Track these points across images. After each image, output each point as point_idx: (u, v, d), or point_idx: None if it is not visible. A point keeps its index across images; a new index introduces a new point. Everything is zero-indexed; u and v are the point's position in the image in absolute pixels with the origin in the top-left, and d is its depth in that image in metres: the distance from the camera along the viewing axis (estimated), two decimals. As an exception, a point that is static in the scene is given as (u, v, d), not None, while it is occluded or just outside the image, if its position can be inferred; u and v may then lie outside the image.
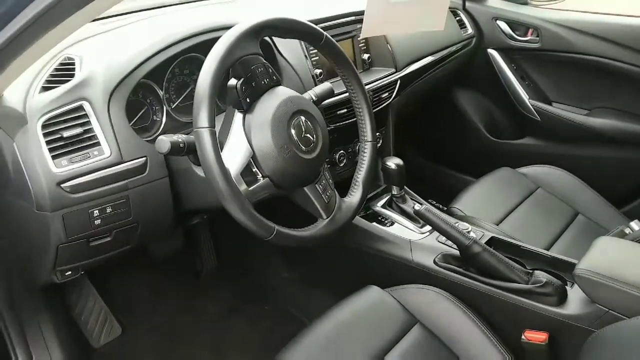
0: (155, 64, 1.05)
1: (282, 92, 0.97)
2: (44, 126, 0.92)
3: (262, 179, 0.93)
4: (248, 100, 0.93)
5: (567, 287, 1.10)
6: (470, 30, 1.87)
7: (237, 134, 0.93)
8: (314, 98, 1.10)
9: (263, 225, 0.88)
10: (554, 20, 1.76)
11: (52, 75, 0.99)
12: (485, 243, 1.19)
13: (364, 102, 1.10)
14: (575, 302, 1.06)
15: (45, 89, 0.96)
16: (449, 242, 1.27)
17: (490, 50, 1.91)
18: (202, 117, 0.83)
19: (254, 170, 0.93)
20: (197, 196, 1.07)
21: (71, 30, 0.72)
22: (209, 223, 1.62)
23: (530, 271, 1.13)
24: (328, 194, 1.02)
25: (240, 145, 0.92)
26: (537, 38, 1.80)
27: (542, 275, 1.10)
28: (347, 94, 1.29)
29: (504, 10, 1.86)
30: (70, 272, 1.09)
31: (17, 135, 0.90)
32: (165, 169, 1.04)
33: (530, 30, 1.82)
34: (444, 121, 2.05)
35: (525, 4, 1.85)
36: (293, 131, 0.95)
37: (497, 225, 1.44)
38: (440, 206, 1.67)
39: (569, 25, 1.74)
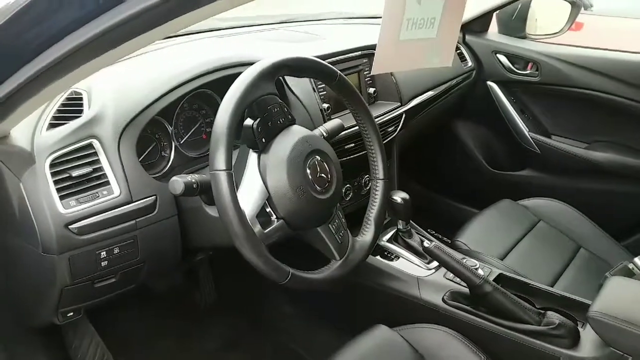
0: (169, 102, 1.03)
1: (297, 132, 0.96)
2: (52, 165, 0.89)
3: (276, 220, 0.91)
4: (264, 140, 0.92)
5: (580, 328, 1.09)
6: (470, 63, 1.89)
7: (252, 175, 0.91)
8: (324, 134, 1.10)
9: (278, 269, 0.86)
10: (553, 54, 1.79)
11: (59, 111, 0.96)
12: (493, 280, 1.19)
13: (376, 140, 1.09)
14: (588, 344, 1.05)
15: (52, 125, 0.93)
16: (458, 279, 1.26)
17: (489, 83, 1.93)
18: (219, 159, 0.81)
19: (267, 210, 0.91)
20: (207, 235, 1.04)
21: (92, 72, 0.70)
22: (211, 259, 1.59)
23: (542, 311, 1.12)
24: (341, 234, 1.01)
25: (255, 186, 0.90)
26: (537, 72, 1.83)
27: (554, 316, 1.09)
28: (354, 129, 1.28)
29: (504, 44, 1.89)
30: (72, 314, 1.05)
31: (24, 174, 0.87)
32: (174, 207, 1.02)
33: (530, 64, 1.85)
34: (445, 153, 2.06)
35: (524, 38, 1.88)
36: (308, 171, 0.93)
37: (502, 260, 1.43)
38: (445, 239, 1.66)
39: (568, 60, 1.77)
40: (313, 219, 0.96)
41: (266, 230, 0.88)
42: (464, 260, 1.25)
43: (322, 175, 0.96)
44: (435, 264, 1.34)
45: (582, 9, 1.90)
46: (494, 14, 1.91)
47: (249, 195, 0.89)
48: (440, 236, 1.69)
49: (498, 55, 1.90)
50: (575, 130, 1.85)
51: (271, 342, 1.59)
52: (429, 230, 1.65)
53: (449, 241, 1.52)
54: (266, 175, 0.90)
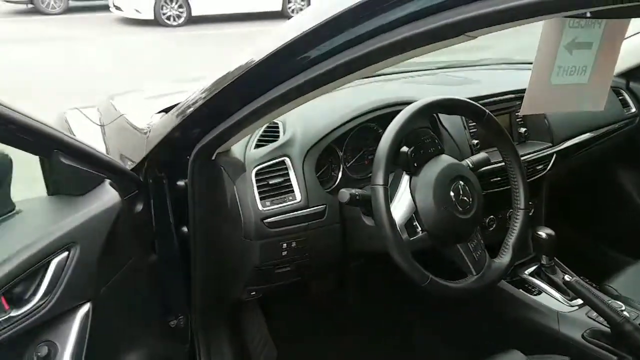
0: (342, 132, 1.29)
1: (445, 160, 1.14)
2: (256, 174, 1.19)
3: (421, 232, 1.09)
4: (415, 164, 1.11)
5: None
6: (633, 109, 1.85)
7: (404, 192, 1.11)
8: (470, 165, 1.24)
9: (420, 272, 1.02)
10: None
11: (262, 136, 1.28)
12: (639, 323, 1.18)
13: (519, 173, 1.21)
14: None
15: (258, 145, 1.25)
16: (600, 319, 1.27)
17: None
18: (379, 176, 1.02)
19: (414, 224, 1.09)
20: (363, 241, 1.25)
21: (292, 109, 0.96)
22: (363, 268, 1.80)
23: (690, 359, 1.10)
24: (479, 253, 1.14)
25: (405, 201, 1.09)
26: None
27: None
28: (501, 164, 1.39)
29: (673, 91, 1.82)
30: (254, 293, 1.34)
31: (238, 179, 1.19)
32: (339, 216, 1.26)
33: None
34: (603, 197, 2.00)
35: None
36: (452, 193, 1.10)
37: (657, 310, 1.38)
38: (593, 284, 1.63)
39: None
40: (453, 234, 1.11)
41: (412, 239, 1.07)
42: (609, 301, 1.27)
43: (464, 198, 1.11)
44: (577, 302, 1.36)
45: None
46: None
47: (400, 208, 1.09)
48: (587, 280, 1.66)
49: (666, 103, 1.83)
50: None
51: (406, 355, 1.72)
52: (582, 277, 1.63)
53: (597, 285, 1.51)
54: (415, 193, 1.09)
